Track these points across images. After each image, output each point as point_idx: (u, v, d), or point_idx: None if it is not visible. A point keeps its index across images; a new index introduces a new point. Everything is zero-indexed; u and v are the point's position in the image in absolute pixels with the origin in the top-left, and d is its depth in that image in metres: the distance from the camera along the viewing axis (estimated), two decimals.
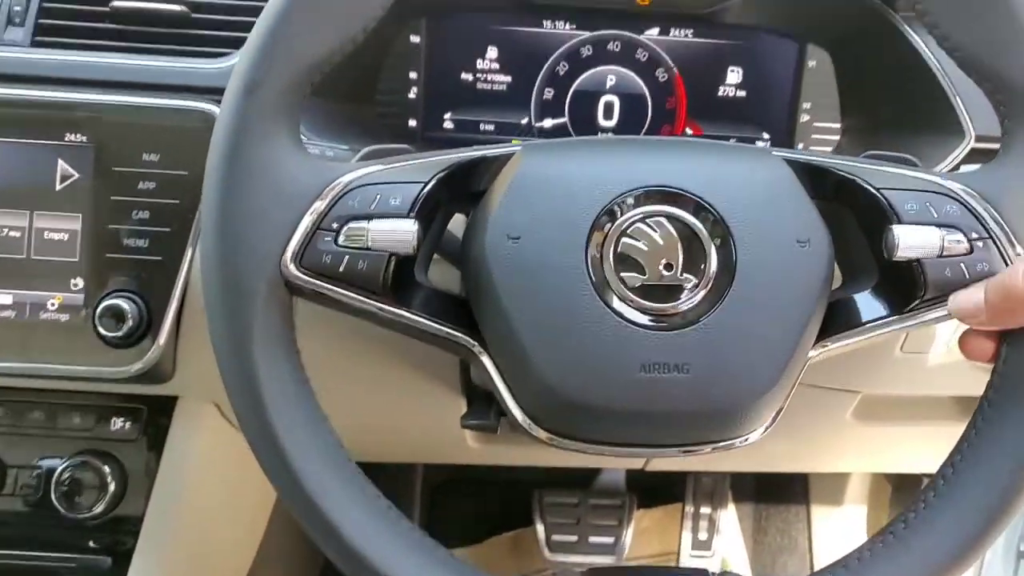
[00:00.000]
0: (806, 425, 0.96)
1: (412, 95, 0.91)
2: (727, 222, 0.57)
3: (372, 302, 0.58)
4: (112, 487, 0.82)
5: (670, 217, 0.57)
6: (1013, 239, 0.59)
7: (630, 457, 0.66)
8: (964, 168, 0.80)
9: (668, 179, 0.58)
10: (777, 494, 1.47)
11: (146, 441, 0.84)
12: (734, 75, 0.90)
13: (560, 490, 1.40)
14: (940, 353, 0.86)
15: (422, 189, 0.58)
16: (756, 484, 1.48)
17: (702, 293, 0.57)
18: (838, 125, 0.92)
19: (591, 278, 0.56)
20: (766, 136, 0.92)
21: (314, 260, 0.57)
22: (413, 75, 0.90)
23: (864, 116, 0.90)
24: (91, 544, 0.86)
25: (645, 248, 0.57)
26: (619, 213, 0.57)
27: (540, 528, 1.38)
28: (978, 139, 0.79)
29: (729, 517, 1.47)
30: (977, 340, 0.60)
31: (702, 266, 0.57)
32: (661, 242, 0.57)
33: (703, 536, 1.43)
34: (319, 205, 0.57)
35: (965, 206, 0.59)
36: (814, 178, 0.61)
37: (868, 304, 0.62)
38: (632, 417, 0.57)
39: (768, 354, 0.57)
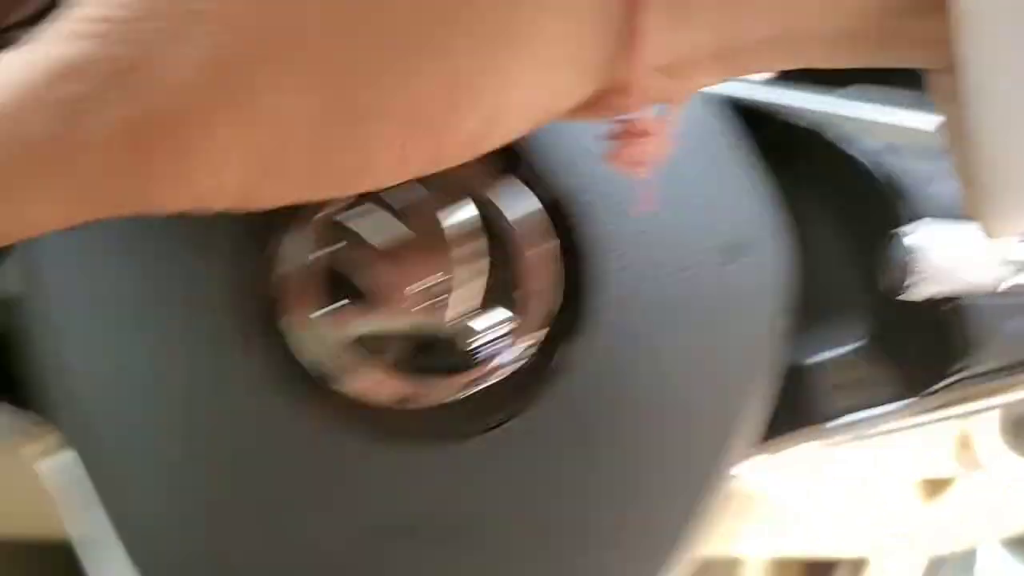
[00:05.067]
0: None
1: None
2: (565, 203, 0.26)
3: None
4: None
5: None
6: None
7: None
8: None
9: None
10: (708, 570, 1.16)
11: None
12: None
13: None
14: None
15: None
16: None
17: (511, 355, 0.25)
18: None
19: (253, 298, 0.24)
20: None
21: None
22: None
23: None
24: None
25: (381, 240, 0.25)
26: None
27: None
28: None
29: None
30: None
31: (513, 295, 0.25)
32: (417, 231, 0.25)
33: None
34: None
35: None
36: (753, 129, 0.31)
37: (853, 373, 0.31)
38: None
39: (654, 502, 0.26)
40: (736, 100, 0.31)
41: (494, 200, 0.25)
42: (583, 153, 0.26)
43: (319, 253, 0.25)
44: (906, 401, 0.29)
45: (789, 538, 0.80)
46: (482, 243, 0.25)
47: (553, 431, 0.24)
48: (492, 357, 0.25)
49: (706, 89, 0.30)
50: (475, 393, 0.25)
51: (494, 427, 0.24)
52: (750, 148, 0.32)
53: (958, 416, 0.30)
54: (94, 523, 0.25)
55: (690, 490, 0.26)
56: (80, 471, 0.25)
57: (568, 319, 0.25)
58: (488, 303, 0.25)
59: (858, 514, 0.73)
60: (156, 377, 0.24)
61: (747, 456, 0.29)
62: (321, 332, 0.24)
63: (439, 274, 0.25)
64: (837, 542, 0.80)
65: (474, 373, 0.25)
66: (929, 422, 0.30)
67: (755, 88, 0.31)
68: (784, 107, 0.31)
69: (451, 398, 0.25)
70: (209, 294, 0.24)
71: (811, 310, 0.34)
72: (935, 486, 0.72)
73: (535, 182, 0.26)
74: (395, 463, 0.24)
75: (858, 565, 0.94)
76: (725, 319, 0.26)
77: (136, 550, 0.25)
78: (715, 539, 0.80)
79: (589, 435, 0.24)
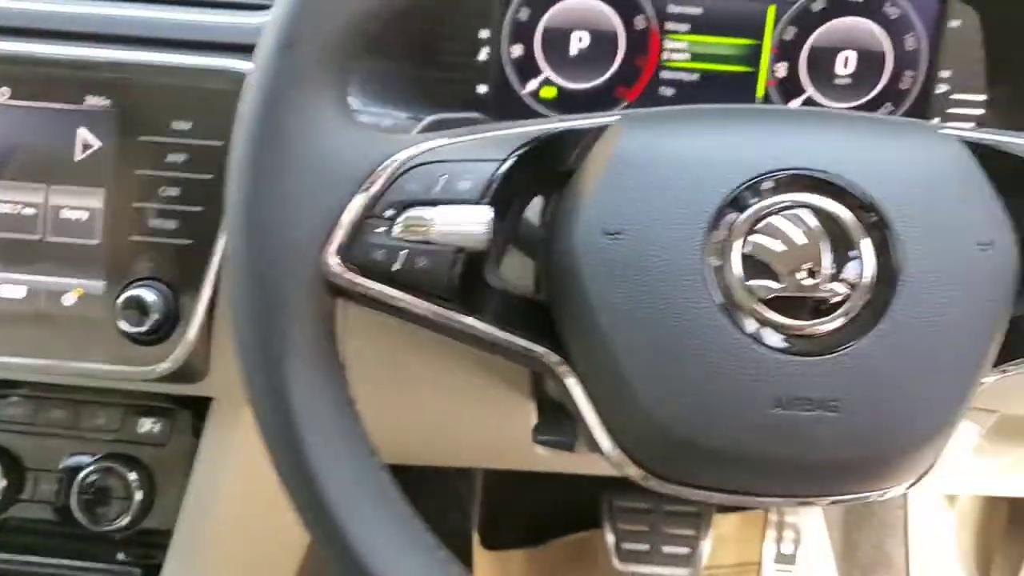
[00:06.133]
0: None
1: (482, 57, 0.79)
2: (889, 218, 0.44)
3: (434, 308, 0.47)
4: (138, 497, 0.72)
5: (815, 210, 0.45)
6: None
7: (744, 505, 0.54)
8: None
9: (813, 160, 0.45)
10: (871, 504, 1.33)
11: (177, 446, 0.74)
12: (858, 37, 0.77)
13: (632, 494, 1.29)
14: None
15: (497, 169, 0.47)
16: None
17: (855, 309, 0.44)
18: (982, 98, 0.78)
19: (710, 287, 0.44)
20: (890, 107, 0.78)
21: (363, 255, 0.46)
22: (484, 34, 0.78)
23: (1015, 87, 0.76)
24: (119, 556, 0.77)
25: (781, 249, 0.45)
26: (748, 203, 0.45)
27: (609, 536, 1.26)
28: None
29: (816, 526, 1.34)
30: None
31: (856, 274, 0.45)
32: (801, 242, 0.45)
33: (787, 549, 1.30)
34: (371, 187, 0.46)
35: None
36: (990, 164, 0.48)
37: None
38: (759, 464, 0.45)
39: (939, 388, 0.44)
40: (987, 145, 0.48)
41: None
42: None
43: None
44: None
45: (1013, 481, 0.94)
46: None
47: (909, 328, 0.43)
48: None
49: (973, 137, 0.47)
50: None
51: None
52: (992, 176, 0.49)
53: None
54: None
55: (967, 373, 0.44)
56: None
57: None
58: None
59: None
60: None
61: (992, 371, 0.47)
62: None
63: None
64: None
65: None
66: None
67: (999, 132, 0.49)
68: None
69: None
70: None
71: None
72: None
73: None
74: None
75: None
76: (989, 282, 0.44)
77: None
78: (945, 477, 0.96)
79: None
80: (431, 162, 0.47)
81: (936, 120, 0.78)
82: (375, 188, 0.46)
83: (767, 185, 0.45)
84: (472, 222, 0.46)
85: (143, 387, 0.71)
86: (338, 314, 0.49)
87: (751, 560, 1.34)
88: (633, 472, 0.48)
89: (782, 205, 0.45)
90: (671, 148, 0.46)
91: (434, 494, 1.37)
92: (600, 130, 0.49)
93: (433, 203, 0.46)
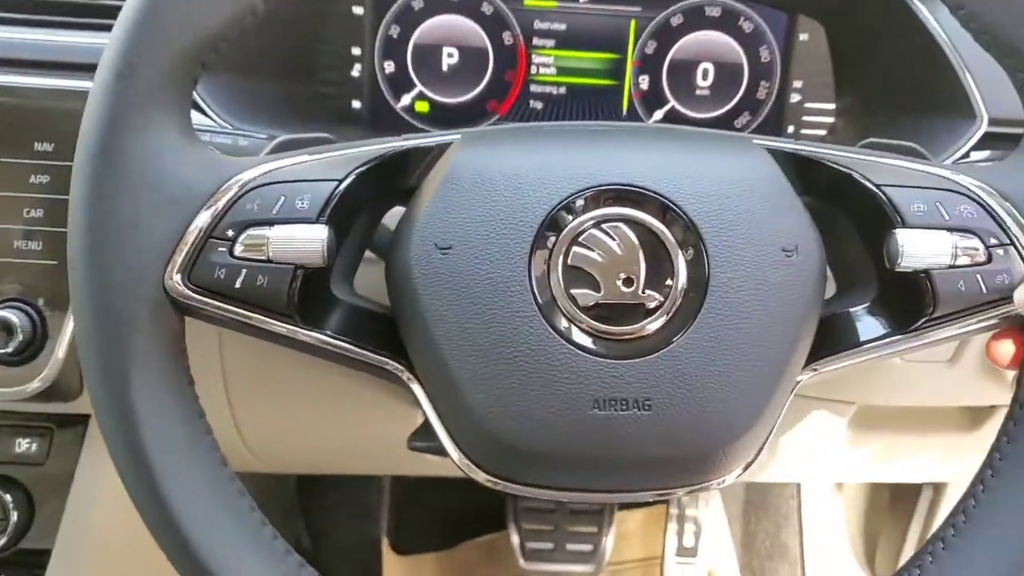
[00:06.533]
0: (799, 437, 0.87)
1: (355, 73, 0.81)
2: (699, 228, 0.47)
3: (278, 323, 0.49)
4: (15, 517, 0.72)
5: (630, 222, 0.48)
6: None
7: (585, 502, 0.57)
8: (975, 155, 0.70)
9: (628, 176, 0.48)
10: (767, 496, 1.38)
11: (56, 464, 0.74)
12: (715, 50, 0.81)
13: None
14: (944, 362, 0.76)
15: (336, 188, 0.49)
16: (745, 484, 1.40)
17: (668, 314, 0.47)
18: (832, 106, 0.82)
19: (535, 296, 0.47)
20: (748, 117, 0.82)
21: (205, 275, 0.48)
22: (356, 51, 0.80)
23: (861, 96, 0.80)
24: None
25: (600, 259, 0.48)
26: (569, 218, 0.48)
27: (514, 536, 1.29)
28: (992, 122, 0.69)
29: (716, 520, 1.38)
30: (1006, 344, 0.51)
31: (668, 281, 0.47)
32: (619, 252, 0.48)
33: (688, 542, 1.34)
34: (212, 208, 0.48)
35: (982, 206, 0.50)
36: (802, 172, 0.52)
37: (866, 321, 0.52)
38: (583, 463, 0.48)
39: (748, 386, 0.47)
40: (797, 155, 0.52)
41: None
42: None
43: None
44: (897, 337, 0.50)
45: (883, 466, 0.99)
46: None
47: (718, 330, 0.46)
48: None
49: (779, 147, 0.51)
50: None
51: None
52: (800, 185, 0.52)
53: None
54: None
55: (776, 372, 0.48)
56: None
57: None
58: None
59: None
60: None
61: (803, 370, 0.50)
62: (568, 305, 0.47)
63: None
64: (928, 468, 0.98)
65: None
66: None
67: (810, 147, 0.52)
68: (827, 159, 0.52)
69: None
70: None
71: (840, 281, 0.55)
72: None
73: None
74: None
75: (939, 489, 1.13)
76: (794, 286, 0.47)
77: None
78: (818, 468, 1.01)
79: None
80: (271, 183, 0.49)
81: (791, 128, 0.82)
82: (216, 208, 0.47)
83: (587, 200, 0.48)
84: (307, 240, 0.48)
85: (15, 407, 0.71)
86: (185, 331, 0.50)
87: (655, 555, 1.37)
88: (480, 476, 0.51)
89: (602, 218, 0.48)
90: (500, 167, 0.48)
91: (342, 503, 1.38)
92: (442, 148, 0.51)
93: (271, 223, 0.48)
